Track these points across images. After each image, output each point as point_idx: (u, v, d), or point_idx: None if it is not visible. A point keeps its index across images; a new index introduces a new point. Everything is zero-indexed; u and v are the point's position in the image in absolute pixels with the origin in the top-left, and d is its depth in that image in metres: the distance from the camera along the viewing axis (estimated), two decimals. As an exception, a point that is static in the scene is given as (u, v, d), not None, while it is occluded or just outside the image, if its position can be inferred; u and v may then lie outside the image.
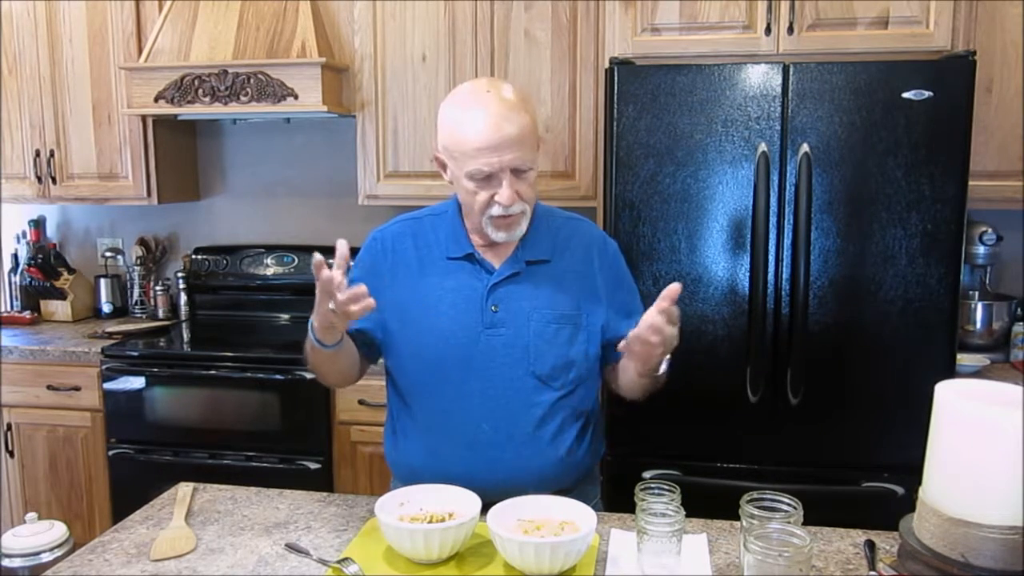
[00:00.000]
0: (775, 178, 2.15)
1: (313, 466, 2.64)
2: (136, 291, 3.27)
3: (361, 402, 2.56)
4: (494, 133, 1.38)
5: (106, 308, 3.31)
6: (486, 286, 1.49)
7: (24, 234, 3.38)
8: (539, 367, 1.49)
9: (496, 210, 1.43)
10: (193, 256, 3.23)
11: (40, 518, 1.38)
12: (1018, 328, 2.58)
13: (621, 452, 2.22)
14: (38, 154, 3.05)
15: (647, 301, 2.19)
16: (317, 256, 1.32)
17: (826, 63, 2.12)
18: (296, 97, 2.65)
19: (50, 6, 2.96)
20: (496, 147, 1.38)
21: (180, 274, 3.23)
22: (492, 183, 1.42)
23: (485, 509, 1.29)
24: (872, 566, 1.25)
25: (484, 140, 1.38)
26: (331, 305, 1.30)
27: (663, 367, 1.42)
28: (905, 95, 2.08)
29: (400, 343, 1.55)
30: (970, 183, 2.11)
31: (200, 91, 2.70)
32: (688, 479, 2.20)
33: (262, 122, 3.20)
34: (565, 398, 1.51)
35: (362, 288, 1.29)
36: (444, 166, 1.50)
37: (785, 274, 2.18)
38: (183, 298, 3.23)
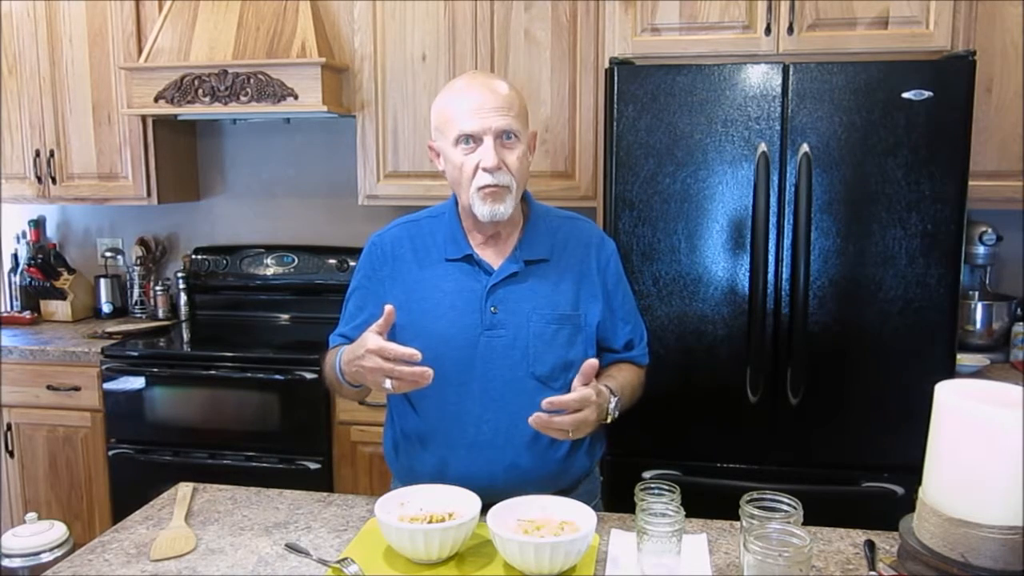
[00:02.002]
0: (775, 178, 2.15)
1: (313, 466, 2.63)
2: (136, 291, 3.27)
3: (361, 402, 2.56)
4: (478, 97, 1.42)
5: (106, 308, 3.31)
6: (485, 287, 1.49)
7: (24, 234, 3.38)
8: (539, 368, 1.49)
9: (481, 178, 1.43)
10: (193, 256, 3.23)
11: (40, 518, 1.38)
12: (1018, 328, 2.58)
13: (621, 452, 2.22)
14: (38, 154, 3.05)
15: (647, 300, 2.21)
16: (389, 307, 1.36)
17: (826, 63, 2.12)
18: (296, 97, 2.65)
19: (50, 6, 2.96)
20: (479, 109, 1.42)
21: (180, 274, 3.23)
22: (478, 150, 1.43)
23: (485, 509, 1.29)
24: (872, 566, 1.25)
25: (468, 105, 1.42)
26: (388, 384, 1.30)
27: (611, 414, 1.46)
28: (905, 95, 2.08)
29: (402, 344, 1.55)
30: (970, 183, 2.11)
31: (200, 91, 2.70)
32: (688, 479, 2.20)
33: (262, 122, 3.20)
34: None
35: (428, 371, 1.29)
36: (438, 154, 1.53)
37: (785, 274, 2.18)
38: (183, 298, 3.23)
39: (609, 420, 1.46)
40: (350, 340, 1.56)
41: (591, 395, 1.35)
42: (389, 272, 1.56)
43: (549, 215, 1.60)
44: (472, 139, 1.43)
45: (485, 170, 1.42)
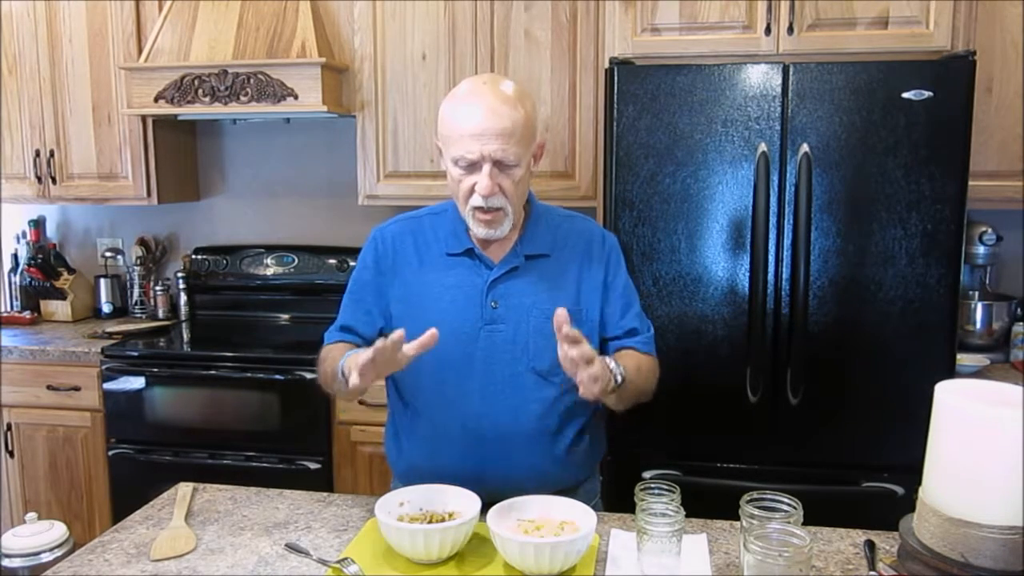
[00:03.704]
0: (775, 178, 2.15)
1: (313, 466, 2.63)
2: (136, 291, 3.27)
3: (361, 402, 2.56)
4: (480, 121, 1.39)
5: (106, 308, 3.31)
6: (486, 282, 1.50)
7: (24, 234, 3.38)
8: (539, 363, 1.49)
9: (475, 200, 1.43)
10: (193, 256, 3.23)
11: (40, 518, 1.38)
12: (1018, 328, 2.58)
13: (621, 452, 2.22)
14: (38, 154, 3.05)
15: (648, 300, 2.21)
16: (399, 332, 1.29)
17: (826, 63, 2.12)
18: (296, 97, 2.65)
19: (50, 6, 2.96)
20: (480, 135, 1.39)
21: (180, 274, 3.23)
22: (475, 172, 1.42)
23: (485, 509, 1.29)
24: (872, 566, 1.25)
25: (470, 127, 1.40)
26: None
27: (617, 380, 1.38)
28: (905, 95, 2.08)
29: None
30: (970, 183, 2.11)
31: (200, 91, 2.70)
32: (688, 479, 2.20)
33: (262, 122, 3.20)
34: (565, 395, 1.52)
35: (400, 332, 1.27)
36: (441, 153, 1.52)
37: (785, 274, 2.18)
38: (183, 298, 3.23)
39: (619, 380, 1.38)
40: (349, 330, 1.56)
41: (589, 352, 1.29)
42: (391, 264, 1.56)
43: (550, 213, 1.60)
44: (470, 164, 1.42)
45: (480, 195, 1.42)
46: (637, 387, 1.48)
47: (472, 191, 1.43)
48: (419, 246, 1.56)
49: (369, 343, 1.56)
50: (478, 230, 1.47)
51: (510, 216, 1.46)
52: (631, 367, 1.47)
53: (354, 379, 1.27)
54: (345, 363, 1.37)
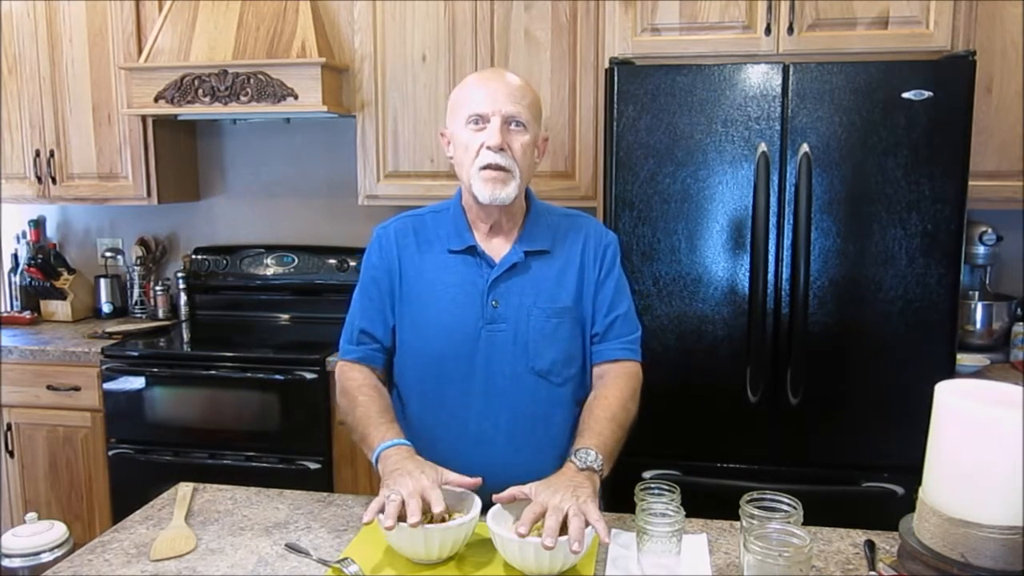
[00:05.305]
0: (775, 178, 2.15)
1: (313, 466, 2.63)
2: (136, 291, 3.27)
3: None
4: (494, 84, 1.46)
5: (106, 308, 3.31)
6: (487, 281, 1.50)
7: (24, 234, 3.39)
8: (539, 363, 1.49)
9: (484, 157, 1.44)
10: (193, 256, 3.23)
11: (40, 518, 1.38)
12: (1018, 328, 2.57)
13: (621, 452, 2.21)
14: (38, 154, 3.05)
15: (648, 300, 2.21)
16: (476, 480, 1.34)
17: (826, 63, 2.12)
18: (296, 97, 2.65)
19: (50, 6, 2.96)
20: (491, 93, 1.45)
21: (180, 274, 3.22)
22: (485, 130, 1.45)
23: (485, 509, 1.29)
24: (872, 566, 1.25)
25: (482, 90, 1.46)
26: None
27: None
28: (905, 95, 2.08)
29: (403, 338, 1.56)
30: (970, 183, 2.11)
31: (200, 91, 2.70)
32: (688, 479, 2.20)
33: (262, 122, 3.20)
34: (567, 394, 1.53)
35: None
36: (449, 142, 1.55)
37: (785, 274, 2.18)
38: (183, 298, 3.22)
39: (599, 468, 1.36)
40: (367, 335, 1.55)
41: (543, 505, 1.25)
42: (395, 261, 1.56)
43: (550, 212, 1.61)
44: (480, 119, 1.45)
45: (489, 148, 1.43)
46: (618, 437, 1.45)
47: (480, 148, 1.44)
48: (420, 243, 1.56)
49: (386, 351, 1.57)
50: (484, 190, 1.45)
51: (516, 181, 1.46)
52: (602, 419, 1.44)
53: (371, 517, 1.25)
54: (383, 454, 1.37)
